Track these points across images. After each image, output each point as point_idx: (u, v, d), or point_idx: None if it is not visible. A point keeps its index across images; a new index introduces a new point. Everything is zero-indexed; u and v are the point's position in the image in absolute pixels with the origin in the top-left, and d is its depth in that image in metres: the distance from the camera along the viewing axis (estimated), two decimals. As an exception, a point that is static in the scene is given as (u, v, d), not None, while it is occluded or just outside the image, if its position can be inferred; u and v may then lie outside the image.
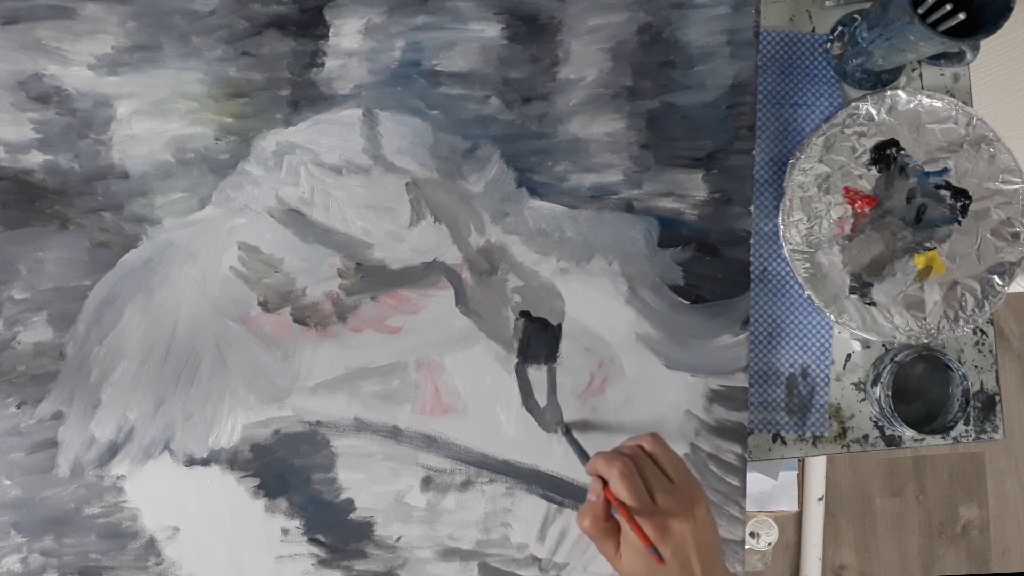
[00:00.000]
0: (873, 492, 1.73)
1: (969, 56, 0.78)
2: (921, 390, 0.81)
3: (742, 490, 0.74)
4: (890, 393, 0.77)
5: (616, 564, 0.58)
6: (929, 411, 0.80)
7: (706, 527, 0.59)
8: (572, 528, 0.73)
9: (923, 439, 0.80)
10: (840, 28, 0.83)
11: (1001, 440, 0.83)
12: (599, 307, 0.74)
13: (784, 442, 0.81)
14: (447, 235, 0.73)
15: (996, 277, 0.79)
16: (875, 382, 0.79)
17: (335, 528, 0.71)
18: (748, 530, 1.50)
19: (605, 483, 0.59)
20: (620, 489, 0.57)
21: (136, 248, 0.71)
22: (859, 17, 0.81)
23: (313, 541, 0.71)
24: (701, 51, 0.75)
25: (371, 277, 0.72)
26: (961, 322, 0.79)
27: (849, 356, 0.82)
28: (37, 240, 0.71)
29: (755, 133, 0.76)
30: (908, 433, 0.79)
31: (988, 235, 0.80)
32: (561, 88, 0.75)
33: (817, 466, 1.62)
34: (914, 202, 0.80)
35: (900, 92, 0.79)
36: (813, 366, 0.81)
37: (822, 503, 1.64)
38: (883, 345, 0.82)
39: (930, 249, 0.80)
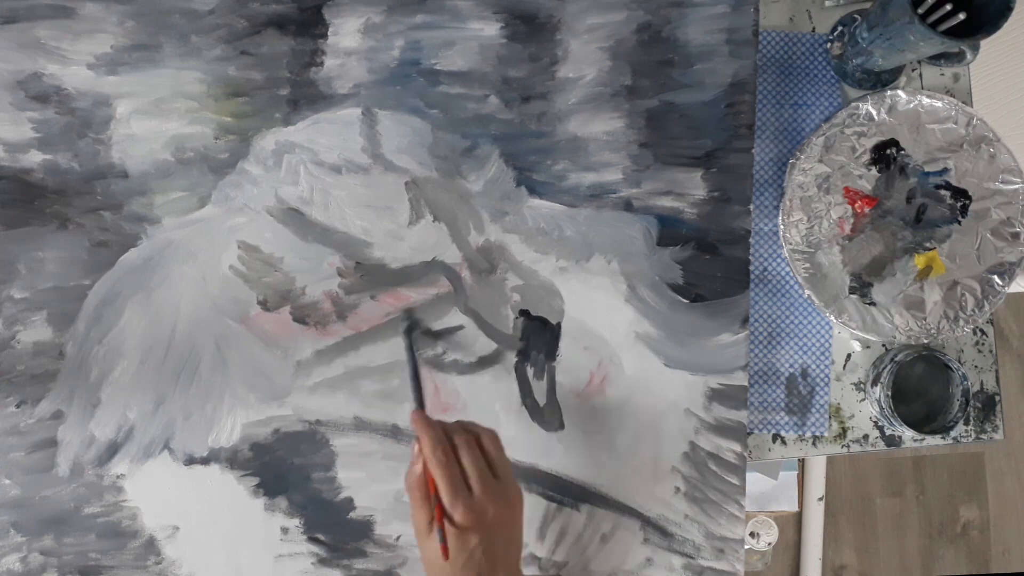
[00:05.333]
0: (873, 492, 1.72)
1: (969, 56, 0.78)
2: (921, 390, 0.81)
3: (742, 489, 0.74)
4: (890, 393, 0.77)
5: (423, 541, 0.58)
6: (929, 411, 0.80)
7: (515, 531, 0.60)
8: (572, 526, 0.73)
9: (923, 439, 0.80)
10: (840, 28, 0.83)
11: (1001, 440, 0.83)
12: (598, 306, 0.74)
13: (784, 442, 0.81)
14: (446, 234, 0.73)
15: (996, 277, 0.79)
16: (875, 382, 0.79)
17: (335, 527, 0.71)
18: (748, 530, 1.50)
19: None
20: (437, 472, 0.58)
21: (136, 247, 0.71)
22: (859, 17, 0.81)
23: (313, 540, 0.71)
24: (700, 50, 0.75)
25: (370, 276, 0.72)
26: (961, 322, 0.79)
27: (849, 356, 0.82)
28: (37, 239, 0.71)
29: (754, 132, 0.76)
30: (908, 433, 0.79)
31: (988, 235, 0.80)
32: (560, 87, 0.75)
33: (817, 466, 1.62)
34: (914, 202, 0.80)
35: (900, 92, 0.79)
36: (813, 366, 0.81)
37: (822, 503, 1.64)
38: (883, 345, 0.82)
39: (930, 249, 0.80)
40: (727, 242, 0.75)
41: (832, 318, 0.78)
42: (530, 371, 0.73)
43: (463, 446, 0.60)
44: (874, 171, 0.80)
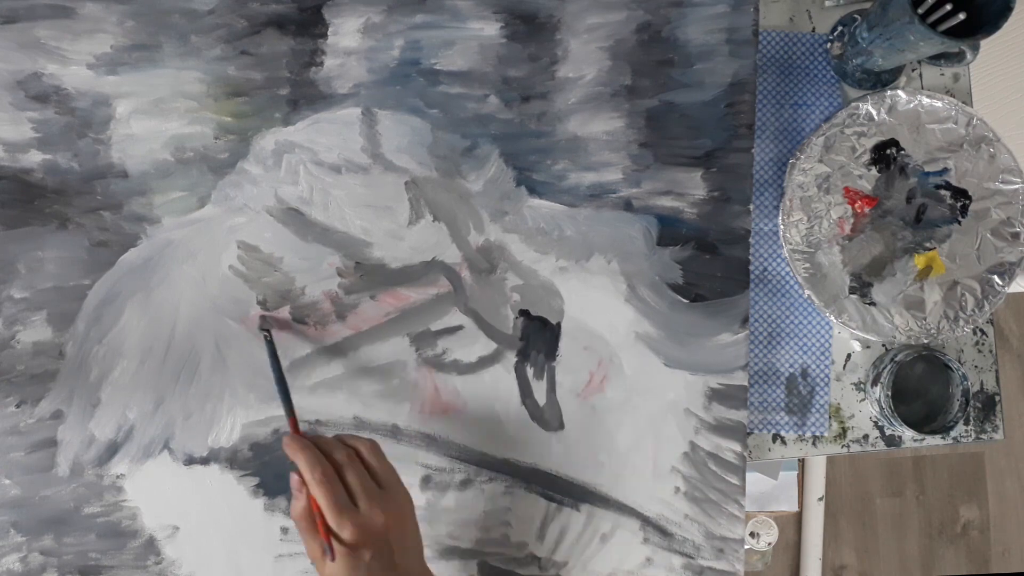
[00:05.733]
0: (873, 492, 1.72)
1: (969, 56, 0.78)
2: (921, 390, 0.81)
3: (741, 488, 0.74)
4: (890, 393, 0.77)
5: (320, 568, 0.58)
6: (929, 411, 0.80)
7: (409, 535, 0.60)
8: (572, 526, 0.73)
9: (923, 439, 0.80)
10: (840, 28, 0.83)
11: (1001, 440, 0.83)
12: (598, 305, 0.74)
13: (784, 442, 0.81)
14: (446, 234, 0.73)
15: (996, 277, 0.79)
16: (875, 382, 0.79)
17: (334, 527, 0.71)
18: (748, 530, 1.50)
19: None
20: (318, 493, 0.57)
21: (135, 247, 0.71)
22: (859, 17, 0.81)
23: (312, 540, 0.71)
24: (700, 49, 0.75)
25: (370, 276, 0.72)
26: (961, 322, 0.79)
27: (849, 356, 0.82)
28: (36, 239, 0.71)
29: (754, 131, 0.76)
30: (908, 433, 0.79)
31: (988, 235, 0.80)
32: (560, 87, 0.75)
33: (817, 466, 1.62)
34: (914, 202, 0.80)
35: (900, 92, 0.79)
36: (813, 366, 0.81)
37: (822, 503, 1.64)
38: (883, 345, 0.82)
39: (930, 249, 0.80)
40: (727, 242, 0.75)
41: (832, 318, 0.78)
42: (530, 371, 0.73)
43: (344, 461, 0.59)
44: (874, 171, 0.80)
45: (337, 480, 0.58)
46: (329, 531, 0.57)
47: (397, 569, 0.58)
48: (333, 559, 0.56)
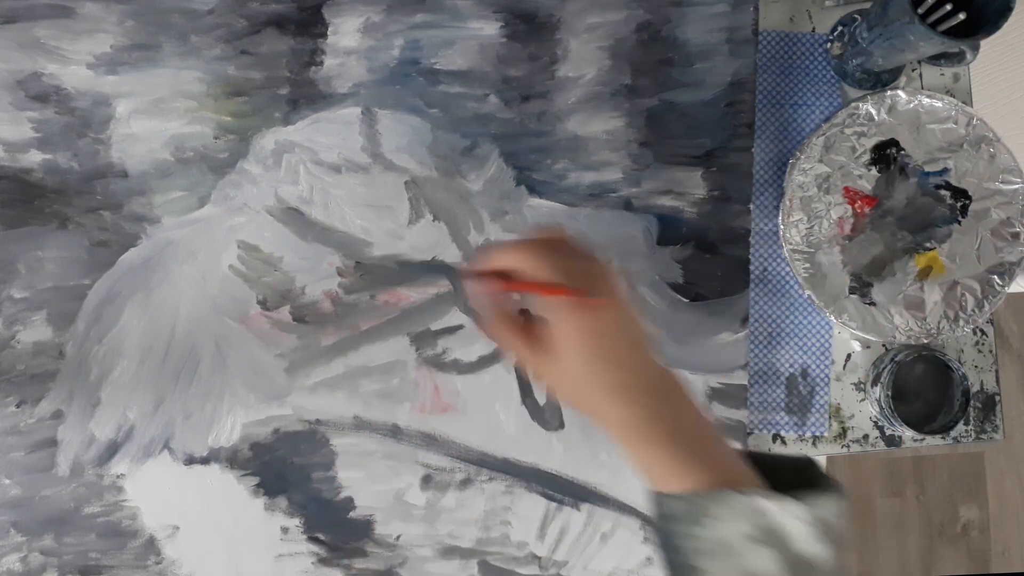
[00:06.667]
0: (873, 492, 1.72)
1: (969, 56, 0.78)
2: (921, 390, 0.81)
3: (742, 489, 0.74)
4: (890, 393, 0.77)
5: (547, 368, 0.52)
6: (929, 411, 0.80)
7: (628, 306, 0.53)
8: (572, 526, 0.73)
9: (923, 439, 0.80)
10: (840, 28, 0.83)
11: (1001, 440, 0.83)
12: (598, 306, 0.74)
13: (784, 442, 0.81)
14: (446, 233, 0.73)
15: (996, 277, 0.79)
16: (875, 382, 0.79)
17: (335, 526, 0.71)
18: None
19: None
20: (537, 266, 0.50)
21: (135, 247, 0.71)
22: (859, 17, 0.81)
23: (313, 540, 0.71)
24: (700, 49, 0.75)
25: (370, 276, 0.72)
26: (961, 322, 0.79)
27: (849, 356, 0.82)
28: (36, 239, 0.71)
29: (754, 131, 0.76)
30: (908, 433, 0.79)
31: (988, 235, 0.80)
32: (560, 86, 0.75)
33: (817, 466, 1.62)
34: (914, 203, 0.80)
35: (900, 92, 0.79)
36: (813, 366, 0.81)
37: (822, 503, 1.63)
38: (883, 345, 0.82)
39: (930, 249, 0.80)
40: (727, 241, 0.75)
41: (832, 318, 0.78)
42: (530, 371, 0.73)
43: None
44: (874, 171, 0.80)
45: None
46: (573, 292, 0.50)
47: (638, 347, 0.52)
48: (544, 347, 0.50)
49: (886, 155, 0.80)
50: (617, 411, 0.51)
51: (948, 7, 0.70)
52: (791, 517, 0.46)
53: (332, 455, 0.72)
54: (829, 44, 0.83)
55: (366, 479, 0.72)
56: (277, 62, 0.73)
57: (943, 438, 0.80)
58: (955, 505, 1.74)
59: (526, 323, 0.53)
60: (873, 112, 0.79)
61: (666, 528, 0.49)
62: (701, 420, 0.52)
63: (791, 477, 0.49)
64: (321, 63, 0.73)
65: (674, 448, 0.50)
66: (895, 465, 1.73)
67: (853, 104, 0.79)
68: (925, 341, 0.79)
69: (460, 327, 0.73)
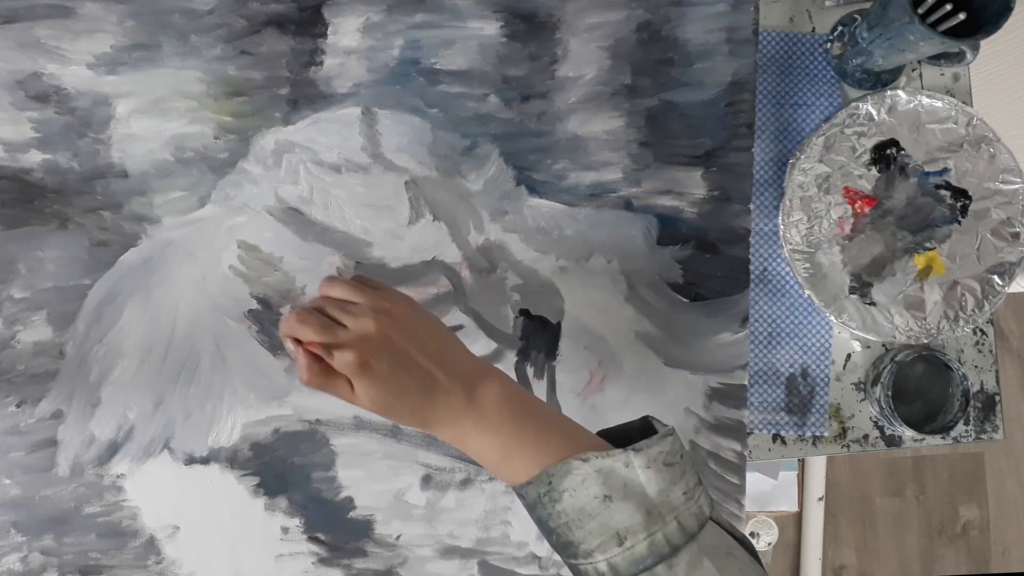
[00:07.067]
0: (873, 492, 1.72)
1: (969, 56, 0.78)
2: (921, 390, 0.81)
3: (742, 488, 0.74)
4: (890, 393, 0.77)
5: (358, 403, 0.54)
6: (929, 411, 0.80)
7: (421, 328, 0.55)
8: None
9: (923, 439, 0.80)
10: (840, 28, 0.83)
11: (1001, 440, 0.83)
12: (598, 305, 0.74)
13: (784, 442, 0.81)
14: (446, 233, 0.73)
15: (996, 277, 0.79)
16: (875, 382, 0.79)
17: (335, 526, 0.71)
18: (748, 530, 1.50)
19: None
20: (303, 331, 0.54)
21: (135, 247, 0.71)
22: (859, 17, 0.81)
23: (313, 539, 0.71)
24: (700, 49, 0.75)
25: (370, 276, 0.72)
26: (961, 322, 0.79)
27: (849, 356, 0.82)
28: (36, 239, 0.71)
29: (754, 131, 0.76)
30: (908, 433, 0.79)
31: (988, 235, 0.80)
32: (560, 86, 0.75)
33: (817, 466, 1.62)
34: (914, 204, 0.80)
35: (900, 92, 0.79)
36: (813, 366, 0.81)
37: (822, 503, 1.64)
38: (883, 345, 0.82)
39: (930, 249, 0.80)
40: (727, 241, 0.75)
41: (832, 318, 0.78)
42: (530, 370, 0.73)
43: (317, 303, 0.56)
44: (874, 171, 0.80)
45: (315, 313, 0.55)
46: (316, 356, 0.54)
47: (422, 363, 0.54)
48: (352, 388, 0.53)
49: (886, 155, 0.80)
50: (444, 432, 0.55)
51: (948, 7, 0.70)
52: (633, 467, 0.49)
53: (332, 455, 0.72)
54: (829, 44, 0.83)
55: (366, 479, 0.72)
56: (277, 62, 0.73)
57: (943, 438, 0.80)
58: (955, 505, 1.74)
59: (323, 366, 0.54)
60: (873, 112, 0.79)
61: (535, 516, 0.52)
62: (527, 398, 0.56)
63: (637, 439, 0.52)
64: (321, 63, 0.73)
65: (513, 438, 0.53)
66: (895, 465, 1.74)
67: (853, 104, 0.79)
68: (925, 341, 0.79)
69: (460, 327, 0.73)
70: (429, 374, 0.54)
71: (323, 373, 0.54)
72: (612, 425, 0.57)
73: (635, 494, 0.49)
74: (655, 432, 0.53)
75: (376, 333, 0.53)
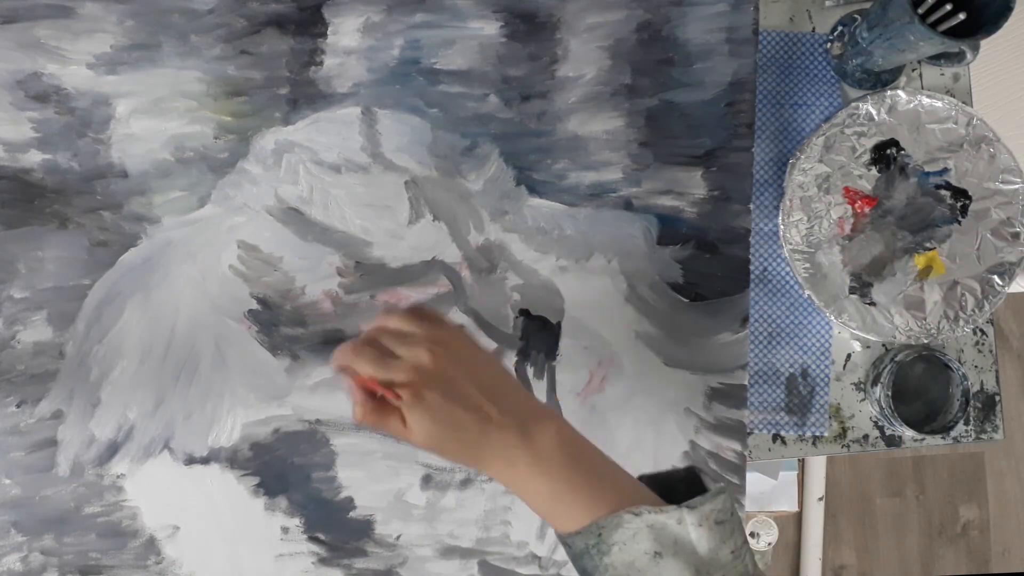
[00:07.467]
0: (873, 492, 1.72)
1: (969, 56, 0.78)
2: (921, 390, 0.81)
3: (742, 488, 0.74)
4: (890, 393, 0.77)
5: (411, 437, 0.53)
6: (929, 411, 0.80)
7: (469, 361, 0.55)
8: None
9: (923, 439, 0.80)
10: (840, 28, 0.83)
11: (1001, 440, 0.83)
12: (598, 305, 0.74)
13: (784, 442, 0.81)
14: (446, 233, 0.73)
15: (996, 277, 0.79)
16: (875, 382, 0.79)
17: (335, 526, 0.71)
18: (748, 530, 1.50)
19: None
20: (358, 363, 0.53)
21: (135, 247, 0.71)
22: (859, 17, 0.81)
23: (313, 539, 0.71)
24: (700, 49, 0.75)
25: (370, 276, 0.72)
26: (961, 322, 0.79)
27: (849, 356, 0.82)
28: (36, 239, 0.71)
29: (754, 131, 0.76)
30: (908, 433, 0.79)
31: (988, 235, 0.80)
32: (560, 86, 0.75)
33: (817, 466, 1.62)
34: (914, 204, 0.80)
35: (900, 92, 0.79)
36: (813, 366, 0.81)
37: (822, 503, 1.64)
38: (883, 345, 0.82)
39: (930, 249, 0.80)
40: (727, 241, 0.75)
41: (832, 318, 0.78)
42: (530, 371, 0.73)
43: (374, 335, 0.55)
44: (874, 171, 0.80)
45: (370, 344, 0.54)
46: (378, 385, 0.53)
47: (475, 397, 0.53)
48: (405, 423, 0.52)
49: (886, 155, 0.80)
50: (495, 471, 0.54)
51: (948, 7, 0.70)
52: (685, 525, 0.48)
53: (332, 455, 0.72)
54: (829, 44, 0.83)
55: (366, 479, 0.72)
56: (277, 62, 0.73)
57: (943, 438, 0.80)
58: (955, 505, 1.74)
59: (378, 402, 0.54)
60: (873, 112, 0.79)
61: (579, 565, 0.51)
62: (581, 444, 0.54)
63: (682, 490, 0.52)
64: (321, 63, 0.73)
65: (566, 483, 0.52)
66: (895, 465, 1.74)
67: (853, 104, 0.79)
68: (925, 341, 0.79)
69: (460, 327, 0.73)
70: (482, 408, 0.53)
71: (377, 411, 0.53)
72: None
73: (685, 552, 0.48)
74: (699, 482, 0.52)
75: (430, 364, 0.53)
